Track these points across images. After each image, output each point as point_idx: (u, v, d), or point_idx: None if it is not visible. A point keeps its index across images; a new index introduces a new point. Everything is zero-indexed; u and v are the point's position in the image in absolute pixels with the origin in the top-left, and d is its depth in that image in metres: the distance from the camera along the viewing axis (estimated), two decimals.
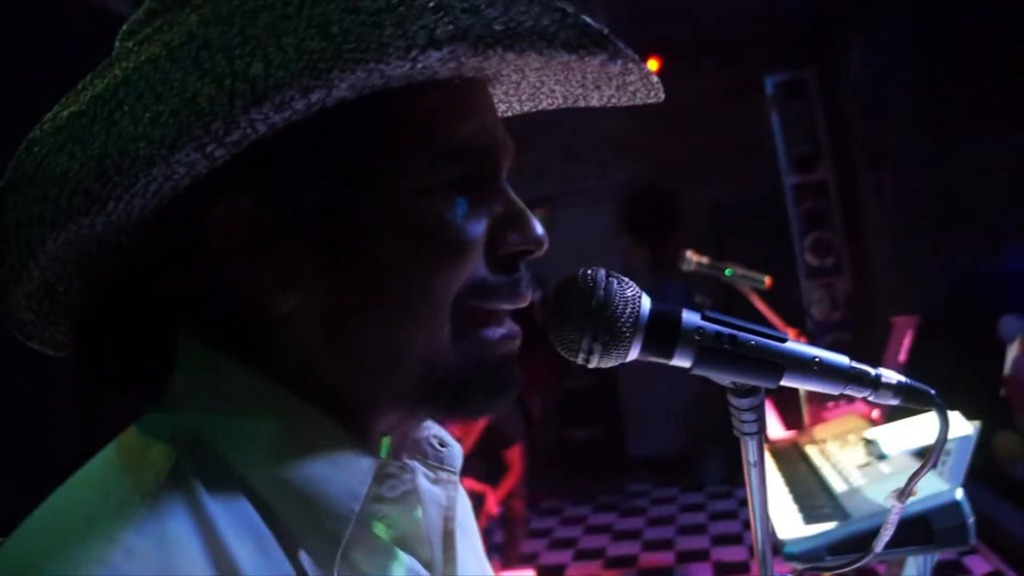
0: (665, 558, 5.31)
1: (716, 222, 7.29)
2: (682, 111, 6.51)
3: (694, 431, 6.81)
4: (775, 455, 2.78)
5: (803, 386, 0.71)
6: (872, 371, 0.71)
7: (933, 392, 0.72)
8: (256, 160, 0.55)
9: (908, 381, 0.72)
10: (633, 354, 0.67)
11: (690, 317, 0.67)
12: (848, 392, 0.72)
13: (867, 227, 6.15)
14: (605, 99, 0.71)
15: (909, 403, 0.72)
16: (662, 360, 0.68)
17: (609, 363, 0.68)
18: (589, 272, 0.67)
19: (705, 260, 3.08)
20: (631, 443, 7.37)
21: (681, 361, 0.67)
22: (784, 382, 0.69)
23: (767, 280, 3.05)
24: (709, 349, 0.67)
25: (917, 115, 5.42)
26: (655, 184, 7.51)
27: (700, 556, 5.23)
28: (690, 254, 3.10)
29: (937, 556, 2.16)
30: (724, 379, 0.69)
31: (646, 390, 6.98)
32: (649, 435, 7.27)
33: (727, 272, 3.04)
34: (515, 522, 4.82)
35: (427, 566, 0.67)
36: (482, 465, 4.36)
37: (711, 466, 6.67)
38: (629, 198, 7.67)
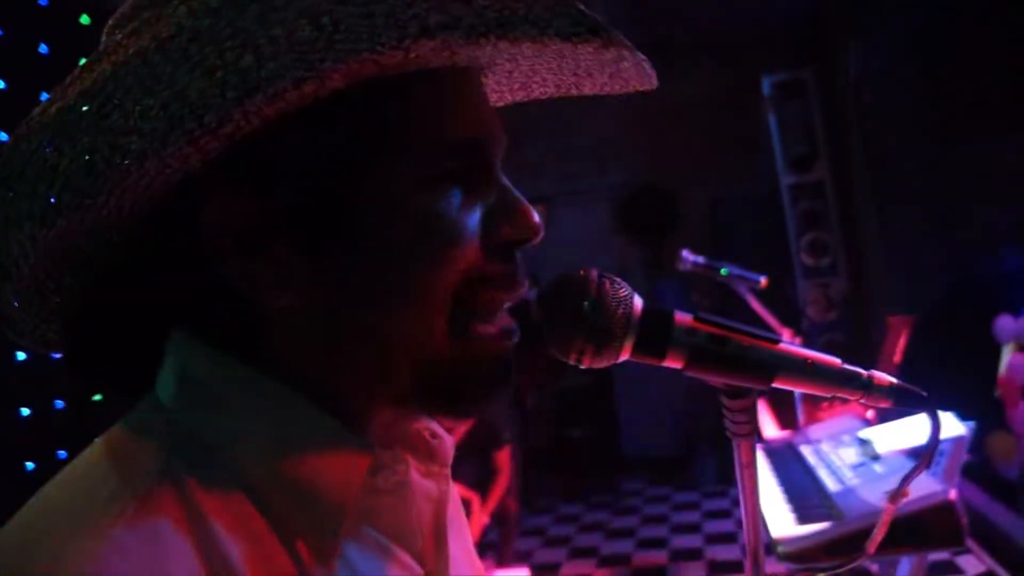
0: (659, 557, 5.32)
1: (713, 222, 7.29)
2: (680, 111, 6.51)
3: (689, 430, 6.82)
4: (769, 454, 2.79)
5: (795, 388, 0.71)
6: (864, 373, 0.71)
7: (925, 394, 0.73)
8: (249, 156, 0.55)
9: (900, 384, 0.72)
10: (625, 355, 0.67)
11: (682, 318, 0.67)
12: (840, 394, 0.72)
13: (863, 228, 6.15)
14: (598, 87, 0.71)
15: (901, 405, 0.73)
16: (654, 361, 0.68)
17: (601, 364, 0.68)
18: (582, 273, 0.67)
19: (701, 260, 3.08)
20: (626, 442, 7.37)
21: (673, 362, 0.68)
22: (776, 384, 0.69)
23: (763, 280, 3.05)
24: (701, 351, 0.67)
25: (915, 116, 5.42)
26: (652, 183, 7.51)
27: (694, 555, 5.23)
28: (686, 253, 3.10)
29: (930, 556, 2.16)
30: (716, 380, 0.69)
31: (641, 390, 6.99)
32: (644, 434, 7.27)
33: (723, 272, 3.05)
34: (509, 520, 4.83)
35: (418, 558, 0.67)
36: (471, 468, 4.35)
37: (705, 465, 6.68)
38: (626, 197, 7.66)
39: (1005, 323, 4.35)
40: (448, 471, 0.73)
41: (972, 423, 2.10)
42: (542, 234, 0.65)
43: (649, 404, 7.05)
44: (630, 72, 0.67)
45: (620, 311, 0.66)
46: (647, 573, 5.10)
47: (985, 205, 5.04)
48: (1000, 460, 4.24)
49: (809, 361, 0.70)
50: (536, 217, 0.64)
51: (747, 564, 0.79)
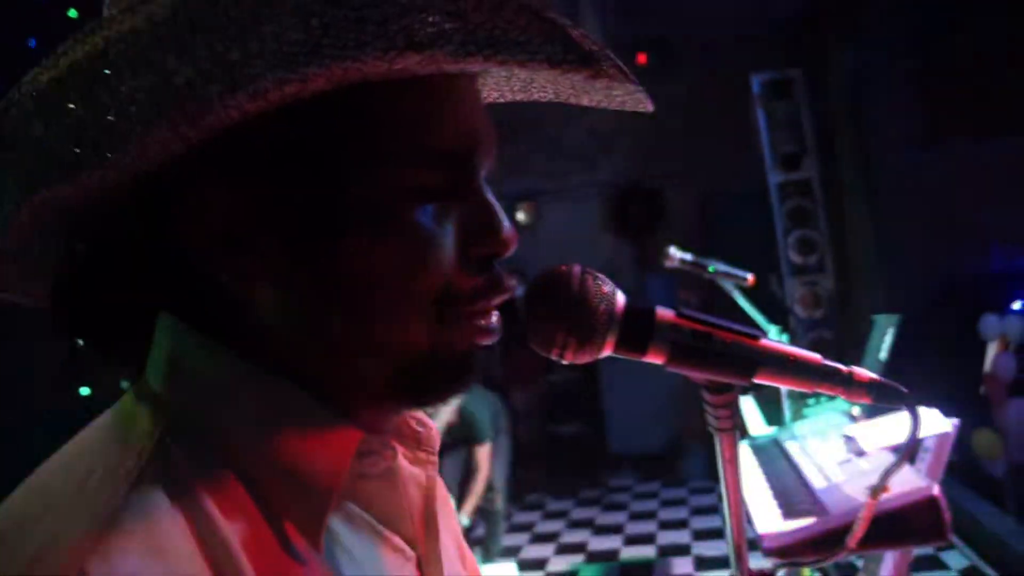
0: (647, 553, 5.34)
1: (703, 219, 7.31)
2: (670, 108, 6.52)
3: (677, 427, 6.85)
4: (756, 451, 2.80)
5: (777, 384, 0.72)
6: (844, 370, 0.72)
7: (904, 390, 0.74)
8: (234, 146, 0.55)
9: (880, 379, 0.73)
10: (607, 350, 0.68)
11: (664, 314, 0.68)
12: (822, 390, 0.73)
13: (851, 226, 6.18)
14: (595, 102, 0.71)
15: (881, 401, 0.74)
16: (636, 356, 0.69)
17: (584, 359, 0.69)
18: (565, 268, 0.68)
19: (688, 257, 3.08)
20: (614, 439, 7.40)
21: (655, 357, 0.69)
22: (758, 380, 0.70)
23: (750, 277, 3.06)
24: (683, 346, 0.68)
25: (903, 116, 5.45)
26: (641, 181, 7.53)
27: (682, 551, 5.26)
28: (673, 251, 3.10)
29: (914, 551, 2.18)
30: (698, 376, 0.70)
31: (629, 386, 7.01)
32: (632, 431, 7.29)
33: (710, 269, 3.05)
34: (496, 516, 4.84)
35: (409, 542, 0.69)
36: (453, 465, 4.36)
37: (693, 462, 6.71)
38: (615, 195, 7.68)
39: (990, 321, 4.39)
40: (435, 459, 0.74)
41: (957, 420, 2.12)
42: (514, 247, 0.64)
43: (637, 401, 7.07)
44: (623, 98, 0.67)
45: (602, 307, 0.67)
46: (635, 569, 5.12)
47: (973, 205, 5.07)
48: (986, 458, 4.28)
49: (790, 357, 0.70)
50: (509, 231, 0.64)
51: (731, 558, 0.80)
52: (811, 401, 3.00)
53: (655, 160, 7.29)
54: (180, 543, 0.52)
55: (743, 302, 3.20)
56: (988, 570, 3.94)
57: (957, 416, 2.14)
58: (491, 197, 0.64)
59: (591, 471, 7.10)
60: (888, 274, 5.59)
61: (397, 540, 0.68)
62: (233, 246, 0.58)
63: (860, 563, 2.84)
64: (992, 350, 4.36)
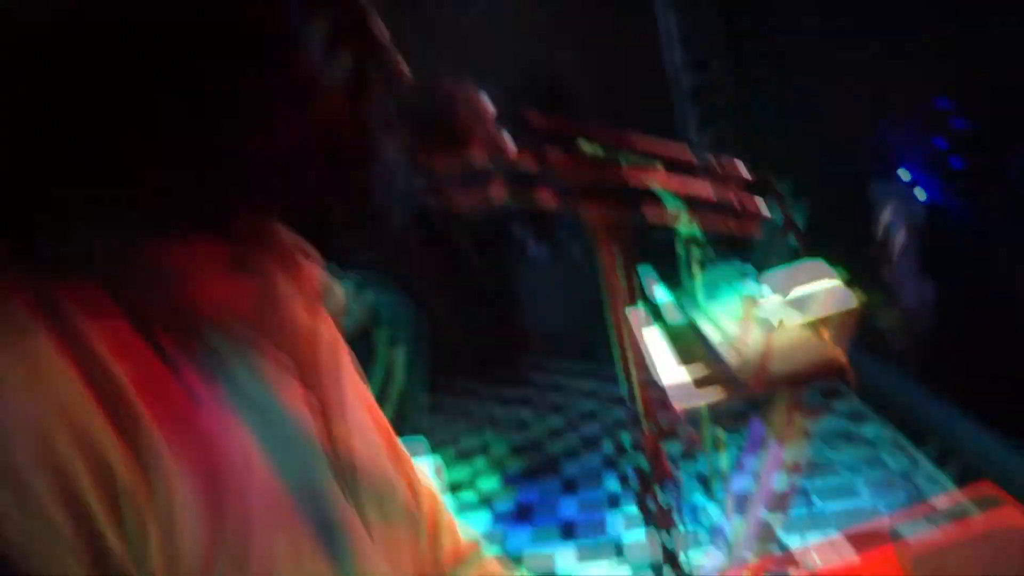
0: (556, 422, 5.50)
1: (612, 121, 7.29)
2: (578, 11, 6.44)
3: (588, 308, 6.87)
4: (671, 334, 2.88)
5: (666, 217, 0.74)
6: (734, 198, 0.74)
7: (800, 223, 0.77)
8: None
9: (777, 216, 0.76)
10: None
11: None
12: (729, 223, 0.75)
13: (761, 123, 6.28)
14: None
15: (775, 238, 0.77)
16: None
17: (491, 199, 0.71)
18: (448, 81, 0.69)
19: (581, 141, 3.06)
20: (526, 319, 7.43)
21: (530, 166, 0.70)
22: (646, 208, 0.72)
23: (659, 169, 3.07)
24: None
25: (812, 16, 5.50)
26: (550, 84, 7.45)
27: (591, 416, 5.45)
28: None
29: (828, 427, 2.28)
30: (584, 204, 0.72)
31: (543, 279, 7.01)
32: (542, 310, 7.33)
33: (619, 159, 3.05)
34: (416, 414, 4.89)
35: (311, 387, 0.70)
36: (367, 369, 4.35)
37: (601, 338, 6.74)
38: (515, 89, 7.59)
39: (878, 185, 4.54)
40: (340, 317, 0.75)
41: (848, 280, 2.20)
42: (408, 74, 0.66)
43: (549, 281, 7.08)
44: None
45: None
46: (545, 437, 5.27)
47: (879, 110, 5.17)
48: (889, 330, 4.48)
49: (673, 183, 0.72)
50: (403, 66, 0.65)
51: (633, 411, 0.83)
52: (722, 283, 3.07)
53: (562, 64, 7.20)
54: (61, 374, 0.51)
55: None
56: (901, 438, 4.18)
57: (852, 279, 2.23)
58: (381, 34, 0.64)
59: (504, 354, 7.16)
60: (797, 166, 5.71)
61: (301, 387, 0.69)
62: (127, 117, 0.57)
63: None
64: (896, 233, 4.53)
